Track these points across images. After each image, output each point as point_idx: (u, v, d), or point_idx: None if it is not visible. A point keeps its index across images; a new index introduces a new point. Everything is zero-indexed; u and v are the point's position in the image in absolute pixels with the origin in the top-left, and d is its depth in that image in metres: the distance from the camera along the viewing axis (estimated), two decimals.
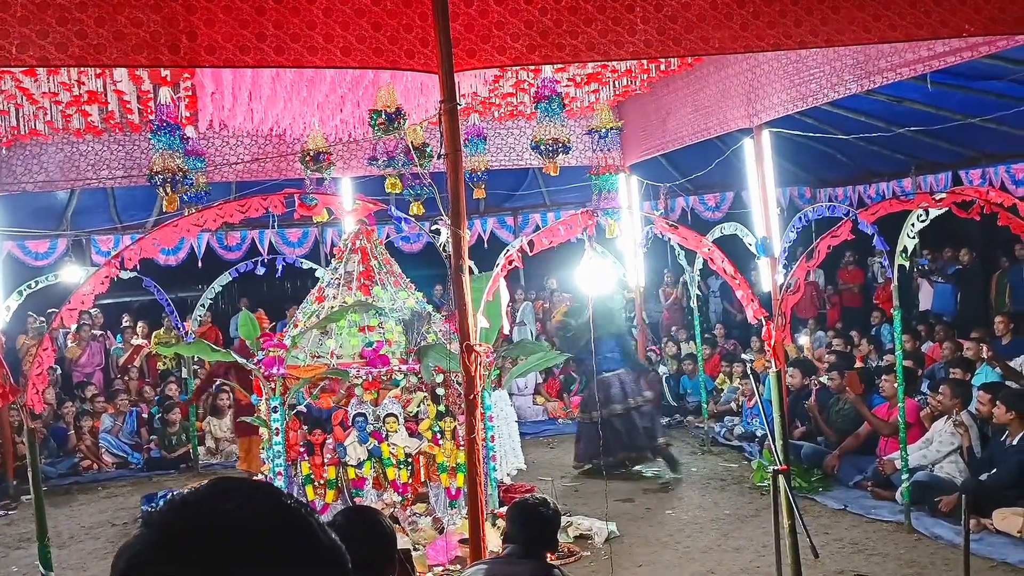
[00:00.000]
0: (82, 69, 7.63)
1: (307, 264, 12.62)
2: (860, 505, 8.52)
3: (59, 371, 13.90)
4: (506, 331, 7.19)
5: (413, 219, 8.11)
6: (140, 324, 15.55)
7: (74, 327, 13.87)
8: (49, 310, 14.16)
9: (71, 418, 12.74)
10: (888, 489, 8.61)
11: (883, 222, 7.59)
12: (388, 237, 14.69)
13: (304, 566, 0.99)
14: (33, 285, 11.48)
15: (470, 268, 5.50)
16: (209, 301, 12.78)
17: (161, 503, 9.63)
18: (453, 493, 8.17)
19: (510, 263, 6.09)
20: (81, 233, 14.97)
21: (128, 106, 8.81)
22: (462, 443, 8.01)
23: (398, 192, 8.69)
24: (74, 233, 14.93)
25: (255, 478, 7.85)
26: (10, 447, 11.36)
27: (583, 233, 6.53)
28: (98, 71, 7.74)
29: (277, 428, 7.96)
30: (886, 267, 7.83)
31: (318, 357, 8.15)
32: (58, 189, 13.16)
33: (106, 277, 5.28)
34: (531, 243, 6.00)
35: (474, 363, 5.06)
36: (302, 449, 8.14)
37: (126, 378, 14.51)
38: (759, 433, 11.23)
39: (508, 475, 8.78)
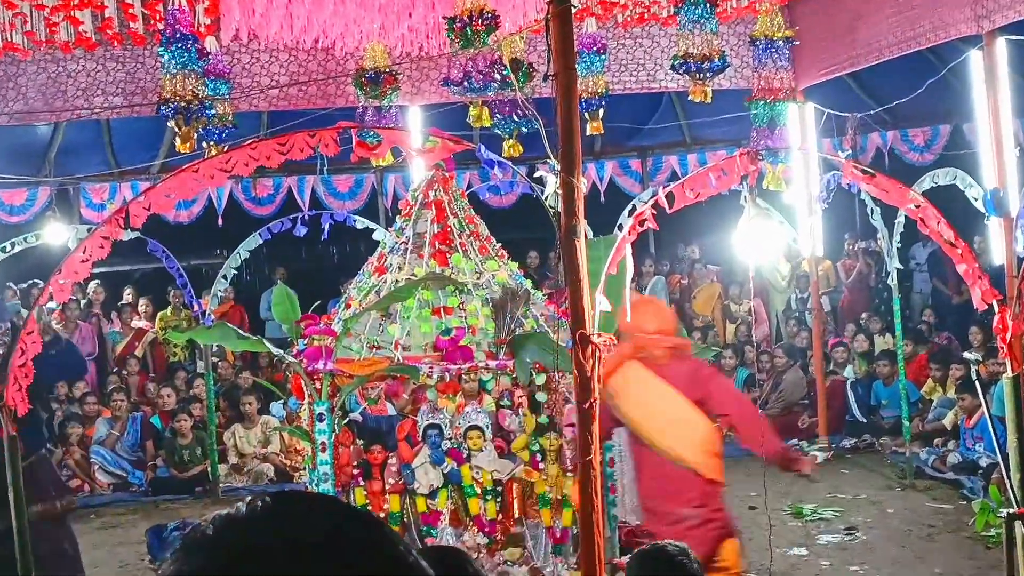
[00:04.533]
0: None
1: (362, 222, 12.81)
2: None
3: None
4: (628, 317, 7.14)
5: (508, 163, 8.13)
6: (143, 301, 16.02)
7: (55, 305, 14.31)
8: (30, 280, 14.72)
9: (55, 424, 13.23)
10: None
11: None
12: (471, 187, 14.84)
13: None
14: (8, 248, 11.93)
15: (584, 230, 5.50)
16: (233, 271, 13.09)
17: (182, 533, 9.98)
18: (558, 535, 8.20)
19: (641, 223, 6.06)
20: (68, 180, 15.48)
21: (130, 11, 9.06)
22: (571, 468, 8.09)
23: (486, 126, 8.74)
24: (59, 180, 15.44)
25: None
26: None
27: (742, 183, 6.46)
28: None
29: (323, 443, 8.11)
30: None
31: (378, 348, 8.25)
32: (39, 121, 13.62)
33: (105, 238, 5.45)
34: (670, 196, 5.97)
35: (591, 359, 5.06)
36: (356, 471, 8.27)
37: (124, 372, 15.00)
38: (984, 462, 11.00)
39: (633, 512, 8.78)
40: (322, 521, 1.08)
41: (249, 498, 1.15)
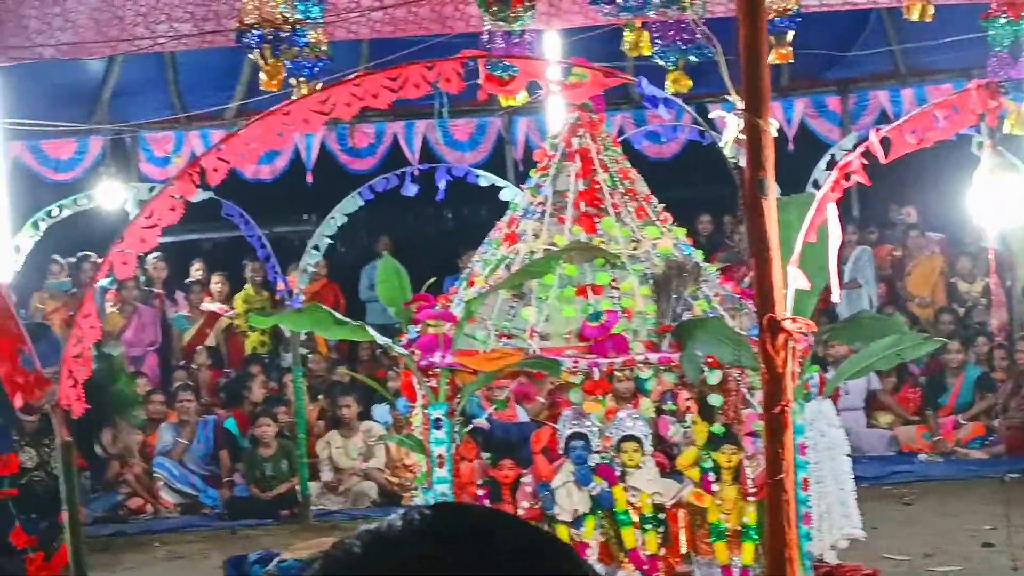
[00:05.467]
0: None
1: (487, 178, 12.83)
2: None
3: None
4: (834, 297, 7.01)
5: (677, 100, 8.04)
6: (215, 278, 16.24)
7: (108, 282, 14.33)
8: (80, 253, 15.05)
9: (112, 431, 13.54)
10: None
11: None
12: (623, 134, 14.77)
13: None
14: (55, 212, 12.21)
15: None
16: (326, 241, 13.23)
17: (265, 567, 10.13)
18: (735, 575, 8.15)
19: (846, 177, 5.96)
20: (125, 127, 15.79)
21: None
22: (754, 490, 8.01)
23: (643, 55, 8.66)
24: (114, 127, 15.75)
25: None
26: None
27: (977, 125, 6.30)
28: None
29: (441, 455, 8.16)
30: None
31: (508, 337, 8.27)
32: (90, 56, 13.90)
33: (176, 199, 5.55)
34: (885, 142, 5.84)
35: (783, 351, 4.99)
36: (481, 492, 8.31)
37: (194, 366, 15.27)
38: None
39: (833, 548, 8.67)
40: (491, 539, 1.09)
41: (403, 511, 1.17)
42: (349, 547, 1.13)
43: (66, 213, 12.52)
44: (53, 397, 5.58)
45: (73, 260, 15.43)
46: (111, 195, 13.51)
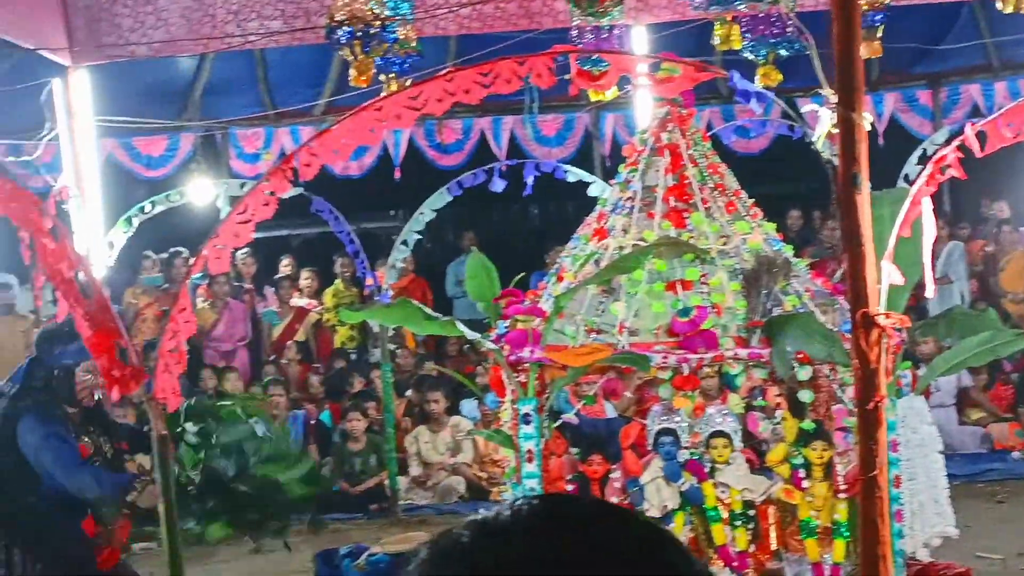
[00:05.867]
0: None
1: (575, 174, 12.84)
2: None
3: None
4: (928, 292, 6.95)
5: (770, 94, 8.01)
6: (305, 273, 16.39)
7: (200, 277, 14.57)
8: (172, 249, 15.24)
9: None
10: None
11: None
12: (711, 128, 14.73)
13: None
14: (148, 209, 12.38)
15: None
16: (415, 236, 13.28)
17: (354, 561, 10.20)
18: (827, 573, 8.10)
19: (941, 171, 5.90)
20: (215, 124, 15.98)
21: None
22: (845, 487, 7.96)
23: (732, 49, 8.62)
24: (205, 124, 15.95)
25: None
26: None
27: None
28: None
29: (530, 450, 8.18)
30: None
31: (597, 333, 8.28)
32: (182, 53, 14.08)
33: (271, 194, 5.60)
34: (981, 135, 5.78)
35: (876, 347, 4.96)
36: (570, 487, 8.33)
37: (283, 361, 15.41)
38: None
39: (926, 545, 8.60)
40: (598, 529, 1.09)
41: (511, 501, 1.17)
42: (457, 537, 1.13)
43: (158, 209, 12.68)
44: (148, 390, 5.66)
45: (165, 256, 15.61)
46: (202, 191, 13.65)
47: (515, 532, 1.10)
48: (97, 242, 12.01)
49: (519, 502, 1.15)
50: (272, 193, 5.64)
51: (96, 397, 7.69)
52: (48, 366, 7.57)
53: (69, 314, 5.74)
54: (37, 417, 7.37)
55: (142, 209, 12.44)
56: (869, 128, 5.15)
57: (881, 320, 4.97)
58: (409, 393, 14.26)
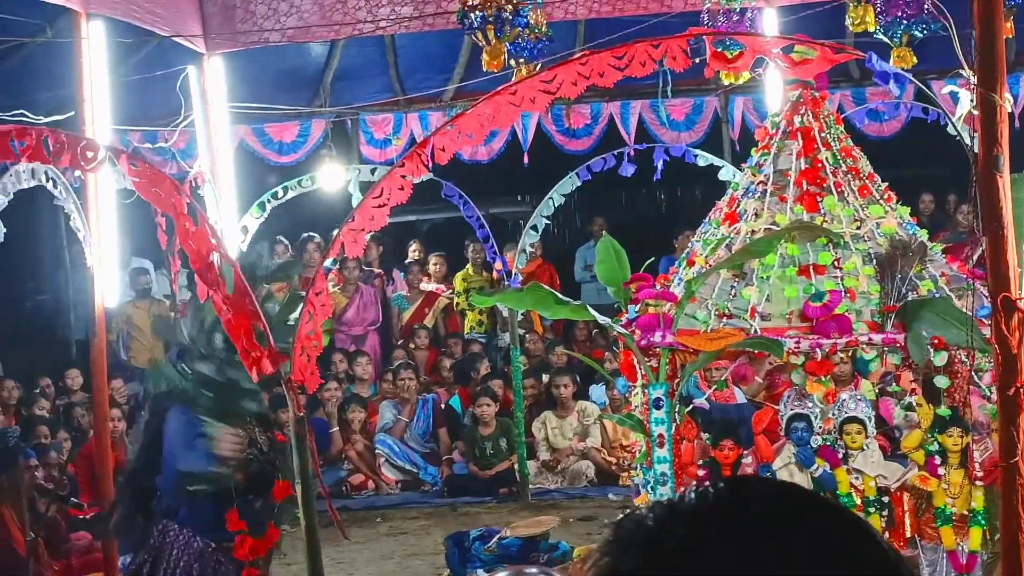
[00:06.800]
0: None
1: (705, 158, 12.78)
2: None
3: None
4: None
5: (908, 76, 7.89)
6: (433, 259, 16.50)
7: (331, 262, 14.67)
8: (304, 234, 15.43)
9: (334, 407, 13.89)
10: None
11: None
12: (843, 111, 14.55)
13: None
14: (280, 194, 12.55)
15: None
16: (544, 221, 13.30)
17: (485, 544, 10.25)
18: (963, 561, 8.01)
19: None
20: (346, 110, 16.13)
21: None
22: (981, 474, 7.85)
23: (867, 31, 8.53)
24: (337, 110, 16.11)
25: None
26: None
27: None
28: None
29: (661, 435, 8.18)
30: None
31: (729, 317, 8.25)
32: (315, 39, 14.23)
33: (405, 178, 5.66)
34: None
35: (1017, 331, 4.89)
36: (702, 472, 8.31)
37: (412, 346, 15.52)
38: None
39: None
40: (794, 517, 1.09)
41: (697, 484, 1.17)
42: (642, 518, 1.13)
43: (290, 195, 12.84)
44: (286, 372, 5.76)
45: (297, 241, 15.79)
46: (333, 177, 13.80)
47: (700, 515, 1.10)
48: (231, 227, 12.18)
49: (708, 486, 1.15)
50: (407, 177, 5.70)
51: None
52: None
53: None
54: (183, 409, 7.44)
55: (274, 195, 12.61)
56: (1010, 110, 5.08)
57: (1022, 304, 4.90)
58: (545, 377, 14.25)
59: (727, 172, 11.99)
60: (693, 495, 1.13)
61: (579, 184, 12.79)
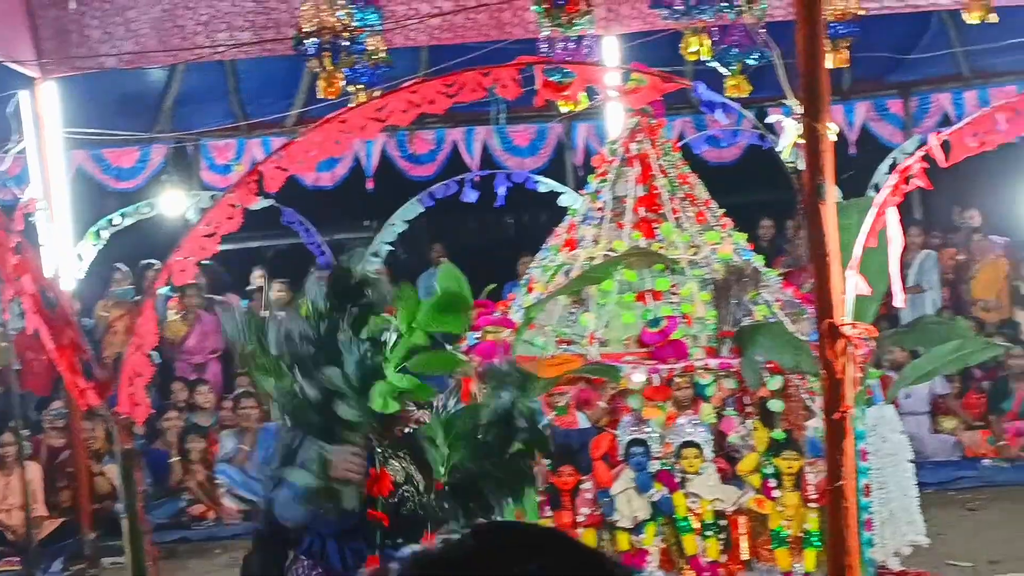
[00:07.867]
0: None
1: (546, 184, 12.86)
2: None
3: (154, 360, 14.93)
4: (896, 302, 6.96)
5: (735, 104, 8.02)
6: (277, 285, 16.34)
7: (169, 289, 14.40)
8: (144, 261, 15.20)
9: (174, 437, 13.65)
10: None
11: None
12: (683, 138, 14.74)
13: None
14: (118, 221, 12.36)
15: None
16: (386, 247, 13.28)
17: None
18: None
19: (906, 181, 5.93)
20: (186, 136, 15.95)
21: None
22: (815, 496, 7.96)
23: (702, 59, 8.63)
24: (176, 135, 15.92)
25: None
26: (85, 479, 12.27)
27: None
28: None
29: None
30: None
31: (568, 343, 8.29)
32: (152, 64, 14.05)
33: (235, 206, 5.59)
34: (945, 145, 5.81)
35: (842, 357, 4.98)
36: (542, 499, 8.32)
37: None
38: None
39: (896, 554, 8.62)
40: (537, 559, 1.07)
41: (446, 534, 1.16)
42: (398, 572, 1.12)
43: (128, 221, 12.69)
44: (112, 403, 5.64)
45: (136, 268, 15.55)
46: (173, 203, 13.66)
47: (446, 567, 1.09)
48: (66, 255, 11.93)
49: (454, 534, 1.15)
50: (238, 205, 5.63)
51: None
52: None
53: None
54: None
55: (110, 221, 12.43)
56: (836, 138, 5.16)
57: (847, 330, 5.00)
58: None
59: (568, 198, 12.07)
60: (440, 544, 1.12)
61: (423, 210, 12.78)
